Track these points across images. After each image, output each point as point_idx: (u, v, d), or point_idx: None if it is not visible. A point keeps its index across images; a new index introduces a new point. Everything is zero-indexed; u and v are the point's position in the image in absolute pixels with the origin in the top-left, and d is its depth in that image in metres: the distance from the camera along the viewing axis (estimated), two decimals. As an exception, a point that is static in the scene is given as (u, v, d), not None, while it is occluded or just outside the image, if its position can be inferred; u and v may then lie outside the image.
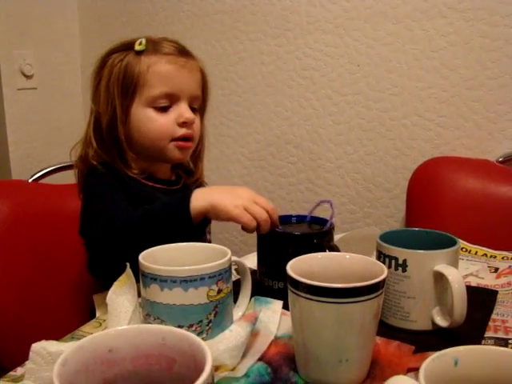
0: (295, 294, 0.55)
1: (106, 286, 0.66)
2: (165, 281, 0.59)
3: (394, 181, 1.48)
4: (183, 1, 1.67)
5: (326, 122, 1.53)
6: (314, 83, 1.53)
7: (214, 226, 0.96)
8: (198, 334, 0.58)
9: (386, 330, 0.67)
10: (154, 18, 1.72)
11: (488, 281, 0.85)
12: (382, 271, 0.56)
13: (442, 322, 0.67)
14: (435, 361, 0.40)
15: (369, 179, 1.51)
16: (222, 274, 0.61)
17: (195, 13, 1.66)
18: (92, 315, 0.80)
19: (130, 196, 0.88)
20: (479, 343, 0.64)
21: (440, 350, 0.42)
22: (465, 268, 0.88)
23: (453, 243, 0.69)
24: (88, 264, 0.85)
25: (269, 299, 0.73)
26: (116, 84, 0.90)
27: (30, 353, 0.56)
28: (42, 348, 0.56)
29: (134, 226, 0.78)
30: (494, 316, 0.72)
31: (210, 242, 0.98)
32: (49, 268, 1.08)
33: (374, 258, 0.66)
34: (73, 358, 0.40)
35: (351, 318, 0.54)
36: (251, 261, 0.84)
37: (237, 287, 0.68)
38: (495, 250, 0.99)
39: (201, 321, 0.60)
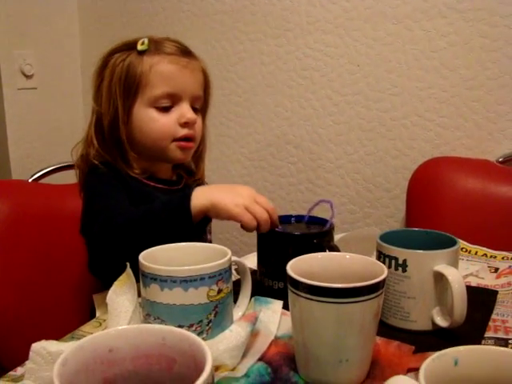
0: (295, 294, 0.55)
1: (106, 286, 0.66)
2: (165, 281, 0.59)
3: (394, 181, 1.48)
4: (183, 1, 1.67)
5: (326, 122, 1.53)
6: (313, 83, 1.53)
7: (215, 226, 0.96)
8: (198, 334, 0.58)
9: (386, 330, 0.67)
10: (154, 18, 1.72)
11: (488, 281, 0.85)
12: (382, 271, 0.56)
13: (442, 322, 0.67)
14: (435, 361, 0.41)
15: (369, 179, 1.51)
16: (222, 274, 0.61)
17: (195, 13, 1.66)
18: (92, 315, 0.80)
19: (131, 196, 0.88)
20: (479, 343, 0.64)
21: (440, 350, 0.42)
22: (465, 268, 0.88)
23: (453, 243, 0.69)
24: (88, 263, 0.85)
25: (269, 299, 0.73)
26: (118, 84, 0.90)
27: (30, 352, 0.56)
28: (42, 348, 0.56)
29: (135, 224, 0.78)
30: (494, 316, 0.72)
31: (210, 241, 0.98)
32: (49, 268, 1.08)
33: (373, 258, 0.66)
34: (73, 358, 0.40)
35: (351, 317, 0.54)
36: (251, 261, 0.84)
37: (237, 287, 0.68)
38: (495, 250, 0.98)
39: (201, 321, 0.60)
